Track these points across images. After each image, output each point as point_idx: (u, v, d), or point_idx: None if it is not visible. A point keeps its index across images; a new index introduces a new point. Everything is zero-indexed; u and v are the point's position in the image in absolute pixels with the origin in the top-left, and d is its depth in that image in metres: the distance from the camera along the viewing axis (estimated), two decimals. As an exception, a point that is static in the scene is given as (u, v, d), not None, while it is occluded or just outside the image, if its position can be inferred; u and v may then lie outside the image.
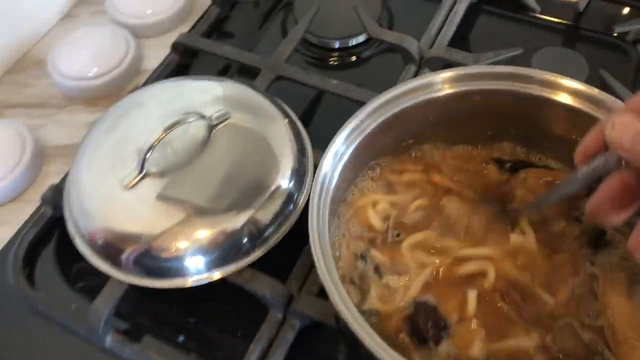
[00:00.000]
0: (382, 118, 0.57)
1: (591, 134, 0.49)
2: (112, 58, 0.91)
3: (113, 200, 0.65)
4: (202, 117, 0.67)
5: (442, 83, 0.57)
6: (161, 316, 0.70)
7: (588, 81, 0.81)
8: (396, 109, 0.57)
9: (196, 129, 0.68)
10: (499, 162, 0.63)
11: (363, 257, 0.57)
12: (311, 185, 0.68)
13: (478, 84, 0.57)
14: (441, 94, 0.58)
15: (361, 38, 0.93)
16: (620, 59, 0.89)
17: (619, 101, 0.54)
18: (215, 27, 0.96)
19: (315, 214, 0.50)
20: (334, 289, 0.46)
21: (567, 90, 0.56)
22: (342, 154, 0.56)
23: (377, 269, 0.56)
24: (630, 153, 0.44)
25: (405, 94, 0.57)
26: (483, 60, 0.78)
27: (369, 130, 0.57)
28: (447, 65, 0.84)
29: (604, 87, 0.79)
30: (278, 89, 0.82)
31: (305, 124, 0.75)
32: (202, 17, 0.97)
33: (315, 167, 0.70)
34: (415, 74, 0.82)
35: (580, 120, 0.55)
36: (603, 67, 0.83)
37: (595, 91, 0.55)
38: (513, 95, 0.57)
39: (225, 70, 0.93)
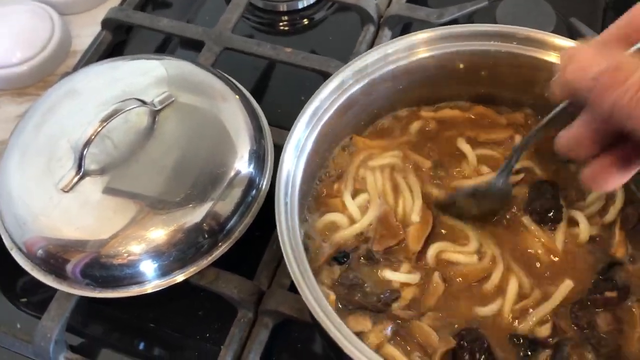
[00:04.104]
0: (349, 93, 0.50)
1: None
2: (37, 40, 0.81)
3: (50, 205, 0.57)
4: (143, 102, 0.59)
5: (418, 46, 0.51)
6: (118, 325, 0.64)
7: (557, 29, 0.77)
8: (367, 80, 0.50)
9: (137, 117, 0.61)
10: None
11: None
12: (272, 167, 0.63)
13: (458, 46, 0.51)
14: (417, 58, 0.51)
15: (312, -1, 0.86)
16: (586, 3, 0.84)
17: None
18: (149, -3, 0.87)
19: (284, 218, 0.44)
20: (308, 293, 0.41)
21: (557, 49, 0.50)
22: (304, 145, 0.50)
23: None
24: (590, 95, 0.37)
25: (377, 62, 0.51)
26: (447, 15, 0.73)
27: (331, 111, 0.50)
28: (408, 23, 0.78)
29: (575, 36, 0.75)
30: (223, 63, 0.75)
31: (258, 100, 0.68)
32: (133, -14, 0.87)
33: (275, 146, 0.65)
34: (375, 35, 0.75)
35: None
36: (568, 13, 0.78)
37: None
38: (496, 56, 0.51)
39: (165, 45, 0.85)
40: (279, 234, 0.44)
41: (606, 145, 0.42)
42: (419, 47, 0.51)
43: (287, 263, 0.42)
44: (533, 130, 0.48)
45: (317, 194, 0.56)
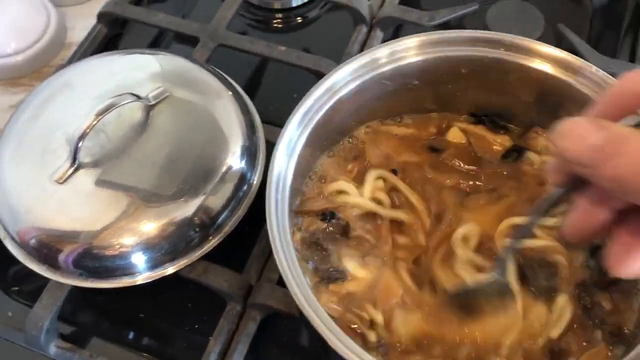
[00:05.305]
0: (340, 95, 0.52)
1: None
2: (32, 30, 0.82)
3: (44, 196, 0.58)
4: (138, 97, 0.60)
5: (406, 51, 0.53)
6: (109, 315, 0.65)
7: (545, 35, 0.79)
8: (357, 82, 0.52)
9: (132, 111, 0.62)
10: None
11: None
12: (264, 163, 0.65)
13: (446, 51, 0.52)
14: (407, 62, 0.53)
15: (306, -3, 0.87)
16: (574, 9, 0.86)
17: (599, 70, 0.51)
18: (145, -9, 0.88)
19: (274, 217, 0.46)
20: (297, 289, 0.42)
21: (543, 57, 0.52)
22: (296, 143, 0.51)
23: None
24: (588, 170, 0.35)
25: (366, 65, 0.52)
26: (438, 18, 0.74)
27: (323, 110, 0.52)
28: (400, 25, 0.80)
29: (561, 41, 0.77)
30: (217, 59, 0.76)
31: (250, 97, 0.69)
32: (129, -20, 0.88)
33: (267, 143, 0.66)
34: (367, 36, 0.77)
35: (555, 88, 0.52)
36: (557, 18, 0.80)
37: (573, 58, 0.51)
38: (483, 62, 0.53)
39: (159, 39, 0.86)
40: (269, 230, 0.46)
41: (619, 219, 0.39)
42: (408, 51, 0.53)
43: (276, 260, 0.44)
44: (529, 221, 0.45)
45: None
